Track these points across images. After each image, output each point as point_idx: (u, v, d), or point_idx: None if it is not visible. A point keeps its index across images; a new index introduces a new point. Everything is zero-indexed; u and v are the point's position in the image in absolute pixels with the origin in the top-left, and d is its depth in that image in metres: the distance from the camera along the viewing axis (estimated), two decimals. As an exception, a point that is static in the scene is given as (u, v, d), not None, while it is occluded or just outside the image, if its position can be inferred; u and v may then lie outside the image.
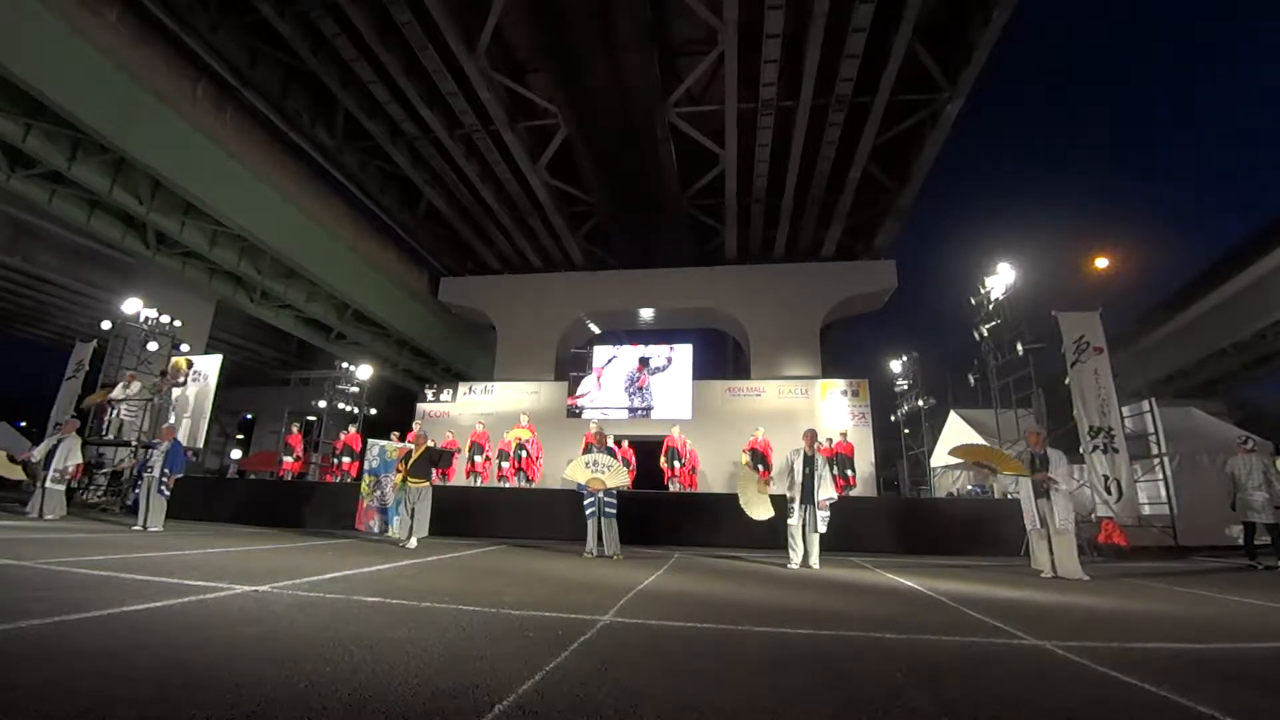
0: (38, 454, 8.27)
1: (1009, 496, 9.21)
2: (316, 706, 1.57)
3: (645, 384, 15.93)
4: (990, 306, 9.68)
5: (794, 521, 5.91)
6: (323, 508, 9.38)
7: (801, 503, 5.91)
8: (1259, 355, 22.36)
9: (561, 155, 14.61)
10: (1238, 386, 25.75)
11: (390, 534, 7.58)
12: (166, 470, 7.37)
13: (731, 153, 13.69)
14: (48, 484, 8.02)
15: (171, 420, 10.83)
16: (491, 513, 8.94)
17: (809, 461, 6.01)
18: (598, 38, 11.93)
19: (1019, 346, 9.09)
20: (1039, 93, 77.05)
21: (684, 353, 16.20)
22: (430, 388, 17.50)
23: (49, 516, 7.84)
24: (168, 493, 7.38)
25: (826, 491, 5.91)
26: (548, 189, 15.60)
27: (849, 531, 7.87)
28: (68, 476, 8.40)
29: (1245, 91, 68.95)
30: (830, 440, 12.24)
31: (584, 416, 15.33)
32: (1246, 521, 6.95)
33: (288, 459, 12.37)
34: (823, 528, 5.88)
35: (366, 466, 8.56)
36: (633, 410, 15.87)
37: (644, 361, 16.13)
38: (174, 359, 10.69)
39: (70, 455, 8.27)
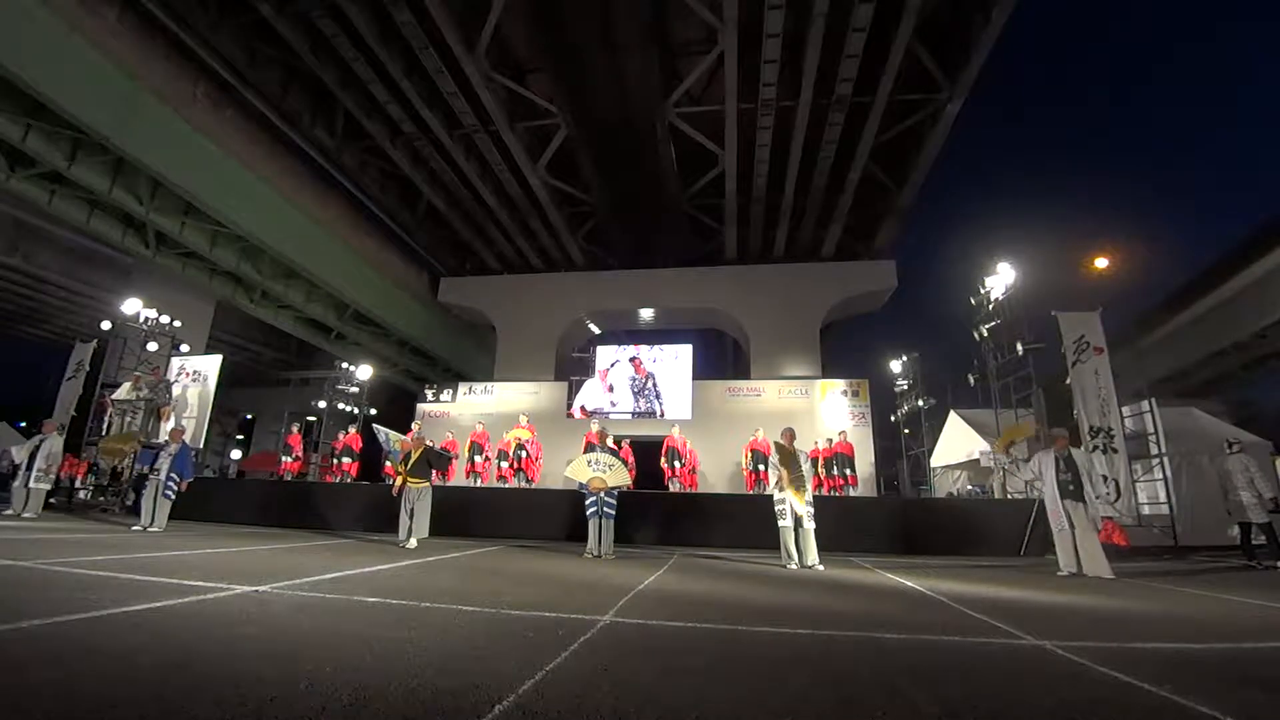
0: (20, 454, 8.39)
1: (1022, 495, 9.21)
2: (316, 706, 1.56)
3: (650, 385, 15.89)
4: (990, 306, 9.67)
5: (785, 524, 5.81)
6: (323, 508, 9.38)
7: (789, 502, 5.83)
8: (1259, 355, 22.36)
9: (561, 155, 14.61)
10: (1238, 386, 25.74)
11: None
12: (175, 475, 7.31)
13: (731, 153, 13.69)
14: (31, 484, 8.14)
15: (179, 424, 10.82)
16: (491, 513, 8.93)
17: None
18: (598, 38, 11.94)
19: (1019, 346, 9.09)
20: (1039, 92, 77.11)
21: (684, 353, 16.19)
22: (430, 388, 17.49)
23: (26, 515, 7.92)
24: (174, 496, 7.32)
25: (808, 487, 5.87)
26: (548, 189, 15.60)
27: (849, 531, 7.87)
28: (51, 475, 8.55)
29: (1247, 91, 69.01)
30: (830, 440, 12.25)
31: (586, 417, 15.33)
32: (1242, 522, 7.01)
33: (287, 459, 12.37)
34: (812, 524, 5.77)
35: (386, 451, 8.32)
36: (637, 412, 15.86)
37: (647, 368, 16.09)
38: (163, 411, 10.79)
39: (52, 454, 8.42)
